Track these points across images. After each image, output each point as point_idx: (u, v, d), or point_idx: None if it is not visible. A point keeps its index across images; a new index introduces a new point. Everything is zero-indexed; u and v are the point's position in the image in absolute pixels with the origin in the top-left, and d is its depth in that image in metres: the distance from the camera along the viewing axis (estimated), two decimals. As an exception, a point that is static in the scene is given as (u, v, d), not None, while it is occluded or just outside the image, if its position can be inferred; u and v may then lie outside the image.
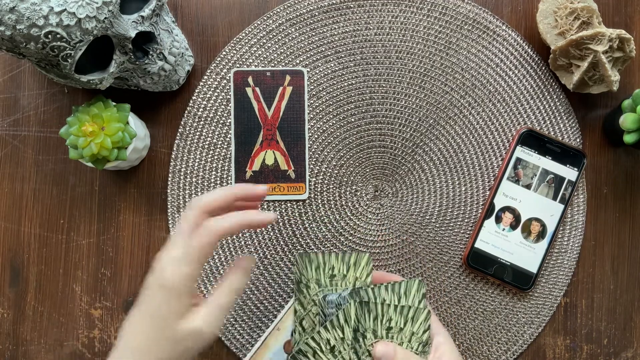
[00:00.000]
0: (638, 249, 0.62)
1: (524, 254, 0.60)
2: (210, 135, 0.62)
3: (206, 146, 0.62)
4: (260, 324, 0.61)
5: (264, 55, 0.62)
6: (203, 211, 0.44)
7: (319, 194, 0.62)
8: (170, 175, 0.62)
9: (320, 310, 0.49)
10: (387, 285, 0.47)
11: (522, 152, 0.60)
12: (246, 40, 0.62)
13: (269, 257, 0.61)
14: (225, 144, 0.62)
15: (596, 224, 0.62)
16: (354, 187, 0.62)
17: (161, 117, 0.62)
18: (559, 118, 0.62)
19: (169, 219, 0.61)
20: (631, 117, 0.55)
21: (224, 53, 0.62)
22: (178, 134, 0.62)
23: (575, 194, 0.61)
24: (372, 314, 0.46)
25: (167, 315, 0.42)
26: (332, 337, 0.46)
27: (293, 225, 0.61)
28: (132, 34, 0.52)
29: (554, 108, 0.62)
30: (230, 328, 0.61)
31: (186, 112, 0.62)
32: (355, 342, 0.46)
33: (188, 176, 0.62)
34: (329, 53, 0.62)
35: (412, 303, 0.47)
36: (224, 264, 0.61)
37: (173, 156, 0.62)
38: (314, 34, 0.62)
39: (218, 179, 0.61)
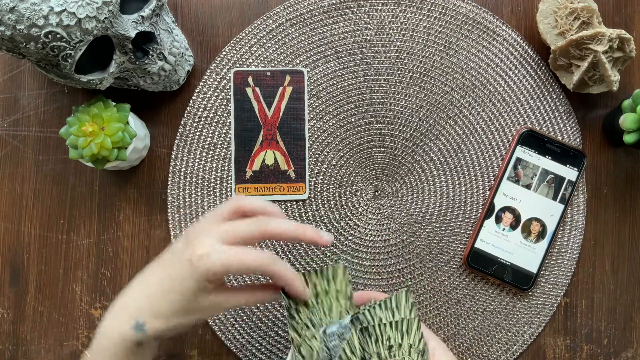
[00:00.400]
0: (638, 249, 0.62)
1: (524, 254, 0.60)
2: (210, 135, 0.62)
3: (206, 146, 0.62)
4: (260, 324, 0.61)
5: (264, 55, 0.62)
6: (267, 236, 0.44)
7: (319, 194, 0.62)
8: (170, 175, 0.62)
9: (324, 345, 0.50)
10: (380, 304, 0.48)
11: (522, 152, 0.60)
12: (246, 40, 0.62)
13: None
14: (225, 144, 0.62)
15: (596, 224, 0.62)
16: (354, 187, 0.62)
17: (161, 117, 0.62)
18: (559, 118, 0.62)
19: (169, 219, 0.61)
20: (631, 117, 0.55)
21: (224, 53, 0.62)
22: (178, 134, 0.62)
23: (575, 194, 0.61)
24: (372, 337, 0.47)
25: (186, 289, 0.43)
26: None
27: (293, 225, 0.61)
28: (132, 34, 0.52)
29: (554, 108, 0.62)
30: (230, 328, 0.61)
31: (186, 112, 0.62)
32: None
33: (188, 176, 0.62)
34: (329, 53, 0.62)
35: (405, 315, 0.48)
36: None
37: (173, 156, 0.62)
38: (314, 34, 0.62)
39: (218, 179, 0.61)
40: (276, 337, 0.61)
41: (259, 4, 0.62)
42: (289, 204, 0.61)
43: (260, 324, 0.61)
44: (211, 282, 0.43)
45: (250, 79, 0.62)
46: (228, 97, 0.62)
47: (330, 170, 0.62)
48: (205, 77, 0.62)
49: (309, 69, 0.62)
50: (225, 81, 0.62)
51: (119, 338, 0.44)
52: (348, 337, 0.47)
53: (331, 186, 0.62)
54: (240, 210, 0.46)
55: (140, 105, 0.61)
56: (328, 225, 0.61)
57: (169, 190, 0.62)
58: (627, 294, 0.61)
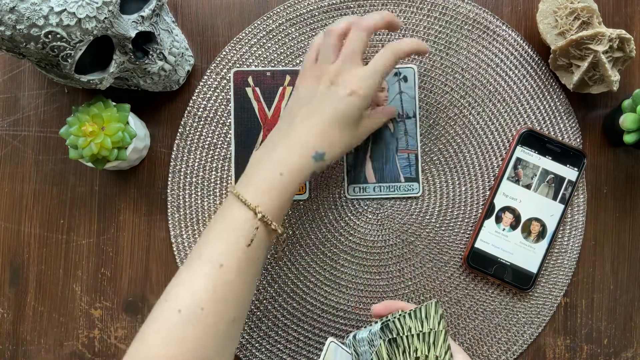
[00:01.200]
0: (638, 249, 0.62)
1: (524, 254, 0.60)
2: (210, 135, 0.62)
3: (206, 146, 0.62)
4: (260, 324, 0.61)
5: (264, 55, 0.62)
6: (399, 57, 0.53)
7: (319, 194, 0.62)
8: (170, 175, 0.62)
9: (353, 350, 0.51)
10: (409, 313, 0.48)
11: (522, 152, 0.60)
12: (246, 40, 0.62)
13: (268, 257, 0.61)
14: (225, 144, 0.62)
15: (596, 224, 0.62)
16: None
17: (161, 117, 0.62)
18: (559, 118, 0.62)
19: (169, 219, 0.61)
20: (631, 117, 0.55)
21: (224, 53, 0.62)
22: (178, 134, 0.62)
23: (575, 194, 0.61)
24: (400, 348, 0.47)
25: (354, 118, 0.51)
26: None
27: (293, 226, 0.61)
28: (132, 34, 0.52)
29: (554, 108, 0.62)
30: (230, 328, 0.61)
31: (186, 112, 0.62)
32: None
33: (188, 176, 0.62)
34: (329, 53, 0.62)
35: (433, 325, 0.48)
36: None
37: (173, 156, 0.62)
38: (314, 34, 0.62)
39: (218, 179, 0.61)
40: (276, 337, 0.61)
41: (259, 4, 0.62)
42: (289, 204, 0.61)
43: (260, 324, 0.61)
44: (368, 101, 0.51)
45: (250, 79, 0.62)
46: (228, 97, 0.62)
47: (330, 170, 0.62)
48: (205, 77, 0.62)
49: (309, 69, 0.62)
50: (225, 81, 0.62)
51: (298, 169, 0.49)
52: (377, 344, 0.47)
53: (331, 186, 0.62)
54: (340, 37, 0.52)
55: (140, 105, 0.61)
56: (328, 225, 0.61)
57: (169, 190, 0.62)
58: (627, 294, 0.61)
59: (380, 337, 0.48)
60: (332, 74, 0.50)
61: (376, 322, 0.49)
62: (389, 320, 0.48)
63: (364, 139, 0.55)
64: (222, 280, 0.46)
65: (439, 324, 0.48)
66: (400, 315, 0.48)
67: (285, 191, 0.48)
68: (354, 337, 0.51)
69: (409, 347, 0.47)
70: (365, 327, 0.51)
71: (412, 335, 0.47)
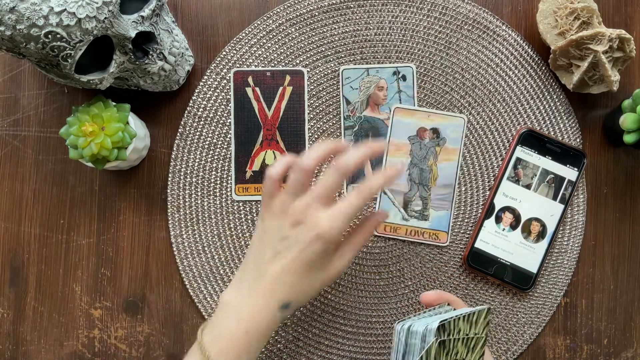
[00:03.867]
0: (638, 249, 0.62)
1: (524, 254, 0.60)
2: (210, 135, 0.62)
3: (206, 146, 0.62)
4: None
5: (264, 55, 0.62)
6: (348, 175, 0.50)
7: (319, 194, 0.61)
8: (170, 175, 0.62)
9: (403, 338, 0.51)
10: (463, 317, 0.49)
11: (522, 152, 0.60)
12: (246, 40, 0.62)
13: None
14: (225, 144, 0.62)
15: (596, 224, 0.62)
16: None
17: (161, 117, 0.62)
18: (559, 118, 0.62)
19: (169, 219, 0.61)
20: (631, 117, 0.55)
21: (224, 53, 0.62)
22: (178, 134, 0.62)
23: (575, 194, 0.61)
24: (445, 349, 0.48)
25: (322, 261, 0.48)
26: None
27: (293, 225, 0.61)
28: (132, 34, 0.52)
29: (554, 108, 0.62)
30: (230, 328, 0.61)
31: (186, 112, 0.62)
32: None
33: (188, 176, 0.62)
34: (329, 53, 0.62)
35: (478, 330, 0.49)
36: (224, 264, 0.61)
37: (173, 156, 0.62)
38: (314, 34, 0.62)
39: (218, 179, 0.61)
40: (276, 337, 0.61)
41: (259, 4, 0.62)
42: (289, 204, 0.61)
43: (260, 324, 0.61)
44: (338, 243, 0.49)
45: (250, 79, 0.62)
46: (228, 97, 0.62)
47: (330, 170, 0.62)
48: (205, 77, 0.62)
49: (309, 69, 0.62)
50: (225, 81, 0.62)
51: (265, 326, 0.48)
52: (429, 342, 0.48)
53: (331, 186, 0.62)
54: (309, 173, 0.49)
55: (140, 105, 0.61)
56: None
57: (169, 190, 0.62)
58: (627, 294, 0.61)
59: (435, 336, 0.48)
60: (299, 213, 0.48)
61: (428, 314, 0.51)
62: (446, 321, 0.49)
63: (336, 279, 0.52)
64: None
65: (483, 330, 0.49)
66: (456, 317, 0.48)
67: (250, 348, 0.48)
68: (409, 328, 0.51)
69: (452, 350, 0.48)
70: (418, 317, 0.52)
71: (458, 339, 0.48)
